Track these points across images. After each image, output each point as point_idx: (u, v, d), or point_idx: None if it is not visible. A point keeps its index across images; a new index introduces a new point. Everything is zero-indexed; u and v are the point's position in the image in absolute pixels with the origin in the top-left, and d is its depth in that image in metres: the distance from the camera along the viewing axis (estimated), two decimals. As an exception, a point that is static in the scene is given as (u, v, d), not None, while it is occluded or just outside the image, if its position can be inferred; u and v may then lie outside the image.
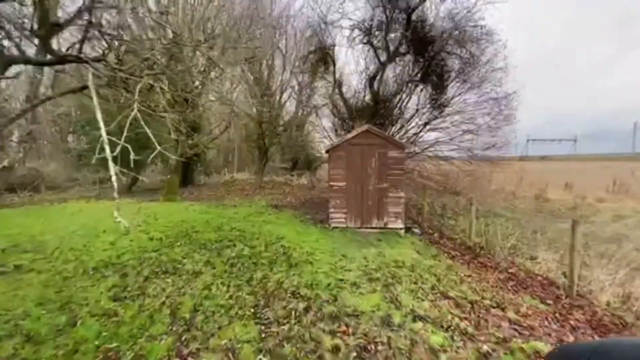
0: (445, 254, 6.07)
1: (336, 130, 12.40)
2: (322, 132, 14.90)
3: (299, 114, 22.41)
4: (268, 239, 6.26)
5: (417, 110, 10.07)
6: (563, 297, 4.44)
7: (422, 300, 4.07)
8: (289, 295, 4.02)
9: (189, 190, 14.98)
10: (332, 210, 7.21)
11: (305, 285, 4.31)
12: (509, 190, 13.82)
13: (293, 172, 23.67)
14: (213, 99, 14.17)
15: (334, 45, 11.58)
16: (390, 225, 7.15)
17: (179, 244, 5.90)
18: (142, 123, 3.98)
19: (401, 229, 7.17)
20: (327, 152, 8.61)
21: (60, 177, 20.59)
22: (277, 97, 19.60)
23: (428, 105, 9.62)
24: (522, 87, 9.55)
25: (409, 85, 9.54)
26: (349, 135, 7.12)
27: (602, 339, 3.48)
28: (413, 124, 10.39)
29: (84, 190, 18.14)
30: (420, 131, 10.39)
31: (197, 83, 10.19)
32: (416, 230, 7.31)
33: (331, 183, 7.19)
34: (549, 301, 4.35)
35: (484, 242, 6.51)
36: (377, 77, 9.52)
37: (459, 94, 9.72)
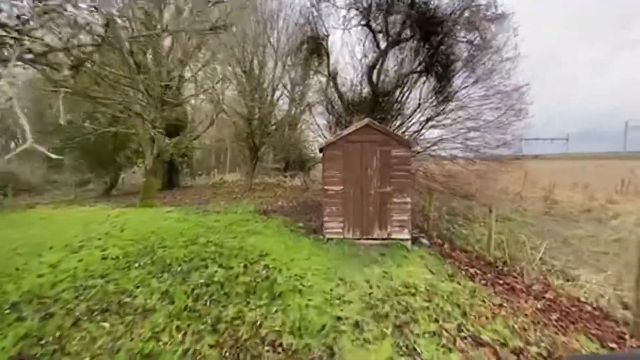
0: (463, 272, 4.98)
1: (330, 128, 11.27)
2: (316, 131, 13.75)
3: (292, 112, 21.28)
4: (250, 257, 5.10)
5: (420, 104, 8.99)
6: (627, 337, 3.37)
7: (450, 349, 2.96)
8: (267, 347, 2.87)
9: (173, 194, 13.72)
10: (326, 218, 6.08)
11: (290, 328, 3.17)
12: (514, 191, 12.84)
13: (286, 173, 22.49)
14: (198, 95, 12.94)
15: (328, 35, 10.45)
16: (394, 236, 6.04)
17: (137, 265, 4.71)
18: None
19: (407, 240, 6.07)
20: (320, 150, 7.48)
21: (37, 179, 19.15)
22: (269, 95, 18.47)
23: (432, 99, 8.56)
24: (532, 79, 8.44)
25: (411, 76, 8.46)
26: (346, 131, 6.00)
27: (613, 352, 3.20)
28: (414, 120, 9.31)
29: (62, 193, 16.76)
30: (422, 128, 9.31)
31: (174, 74, 8.97)
32: (424, 241, 6.22)
33: (326, 187, 6.06)
34: (610, 344, 3.28)
35: (507, 256, 5.43)
36: (377, 67, 8.42)
37: (465, 87, 8.67)
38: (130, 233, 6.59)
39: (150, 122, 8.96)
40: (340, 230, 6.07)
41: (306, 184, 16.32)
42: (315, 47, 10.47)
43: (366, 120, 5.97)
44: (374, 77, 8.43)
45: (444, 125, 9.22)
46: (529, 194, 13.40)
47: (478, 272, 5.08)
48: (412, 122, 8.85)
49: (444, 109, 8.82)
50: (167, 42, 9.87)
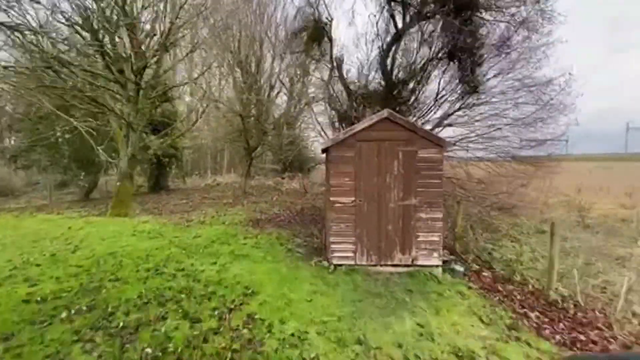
0: (525, 321, 3.54)
1: (333, 125, 9.83)
2: (317, 129, 12.31)
3: (291, 109, 19.81)
4: (229, 298, 3.64)
5: (439, 96, 7.55)
6: None
7: None
8: None
9: (157, 198, 12.20)
10: (334, 239, 4.62)
11: None
12: (536, 198, 11.43)
13: (284, 174, 21.00)
14: (183, 85, 11.42)
15: (331, 20, 9.00)
16: (421, 262, 4.60)
17: (67, 314, 3.23)
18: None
19: (437, 266, 4.63)
20: (324, 151, 6.03)
21: (18, 181, 17.54)
22: (266, 92, 17.03)
23: (455, 91, 7.14)
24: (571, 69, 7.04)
25: (432, 63, 7.04)
26: (360, 126, 4.54)
27: (611, 352, 3.01)
28: (433, 115, 7.88)
29: (41, 196, 15.18)
30: (441, 124, 7.88)
31: (152, 61, 7.45)
32: (458, 268, 4.77)
33: (332, 198, 4.59)
34: None
35: (577, 294, 3.99)
36: (392, 51, 6.97)
37: (494, 76, 7.24)
38: (83, 255, 5.11)
39: (124, 117, 7.47)
40: (352, 254, 4.61)
41: (305, 188, 14.85)
42: (316, 33, 9.01)
43: (385, 112, 4.51)
44: (388, 64, 6.99)
45: (467, 121, 7.79)
46: (549, 199, 12.02)
47: (544, 319, 3.64)
48: (430, 117, 7.41)
49: (468, 102, 7.39)
50: (146, 26, 8.37)
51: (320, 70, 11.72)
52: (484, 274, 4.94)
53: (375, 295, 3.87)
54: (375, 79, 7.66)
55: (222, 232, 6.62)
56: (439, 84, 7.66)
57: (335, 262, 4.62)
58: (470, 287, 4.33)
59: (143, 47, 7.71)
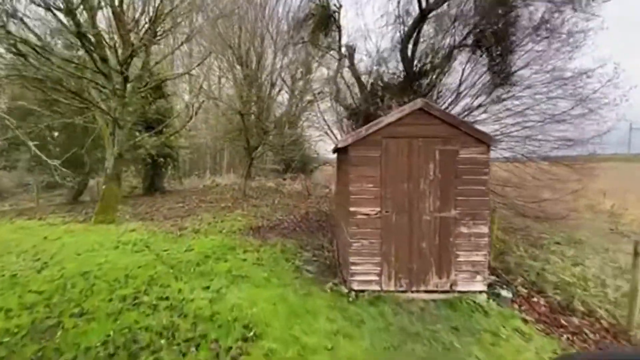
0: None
1: (341, 122, 8.93)
2: (322, 127, 11.43)
3: (292, 108, 18.93)
4: (224, 344, 2.73)
5: (461, 88, 6.65)
6: None
7: None
8: None
9: (150, 202, 11.28)
10: (354, 259, 3.71)
11: None
12: (576, 205, 10.50)
13: (285, 175, 20.09)
14: (176, 77, 10.51)
15: (340, 7, 8.10)
16: (461, 287, 3.70)
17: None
18: None
19: (481, 292, 3.73)
20: (337, 150, 5.13)
21: (7, 182, 16.60)
22: (267, 89, 16.16)
23: (484, 81, 6.24)
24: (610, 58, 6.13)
25: (460, 48, 6.13)
26: (386, 120, 3.63)
27: (603, 349, 2.95)
28: (453, 110, 6.97)
29: (29, 199, 14.25)
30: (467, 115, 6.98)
31: (140, 49, 6.52)
32: (505, 294, 3.87)
33: (352, 209, 3.68)
34: None
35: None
36: (413, 37, 6.05)
37: (526, 65, 6.33)
38: (49, 276, 4.20)
39: (109, 112, 6.56)
40: (376, 277, 3.71)
41: (308, 190, 13.95)
42: (324, 21, 8.11)
43: (419, 102, 3.61)
44: (409, 51, 6.06)
45: (492, 117, 6.90)
46: (573, 204, 11.10)
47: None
48: (455, 111, 6.47)
49: (494, 96, 6.49)
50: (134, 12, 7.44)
51: (326, 64, 10.82)
52: (534, 299, 4.04)
53: (414, 338, 2.96)
54: (391, 70, 6.77)
55: (219, 243, 5.70)
56: (461, 74, 6.75)
57: (355, 287, 3.72)
58: (526, 321, 3.43)
59: (131, 35, 6.80)
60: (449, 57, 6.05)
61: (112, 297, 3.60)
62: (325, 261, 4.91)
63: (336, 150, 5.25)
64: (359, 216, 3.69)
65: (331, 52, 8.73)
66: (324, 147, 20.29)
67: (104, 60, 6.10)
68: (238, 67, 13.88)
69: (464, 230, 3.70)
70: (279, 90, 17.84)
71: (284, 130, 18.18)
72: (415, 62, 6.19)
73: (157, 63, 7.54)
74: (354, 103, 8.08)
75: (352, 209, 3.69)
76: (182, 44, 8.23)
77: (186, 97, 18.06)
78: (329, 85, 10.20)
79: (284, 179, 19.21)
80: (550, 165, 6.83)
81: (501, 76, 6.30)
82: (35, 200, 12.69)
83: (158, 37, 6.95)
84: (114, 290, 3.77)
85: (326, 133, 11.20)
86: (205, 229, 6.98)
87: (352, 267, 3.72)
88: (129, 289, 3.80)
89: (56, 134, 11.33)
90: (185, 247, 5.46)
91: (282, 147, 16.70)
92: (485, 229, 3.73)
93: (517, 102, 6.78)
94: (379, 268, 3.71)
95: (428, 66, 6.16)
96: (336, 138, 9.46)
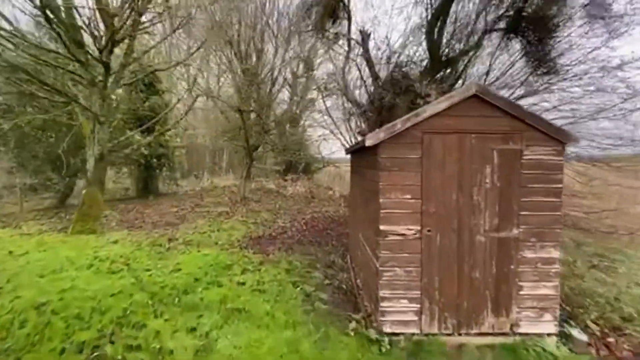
0: None
1: (349, 119, 8.06)
2: (327, 125, 10.56)
3: (293, 106, 18.05)
4: None
5: (489, 77, 5.75)
6: None
7: None
8: None
9: (142, 206, 10.36)
10: (385, 293, 2.80)
11: None
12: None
13: (286, 176, 19.18)
14: (168, 69, 9.61)
15: (350, -9, 7.18)
16: (525, 329, 2.81)
17: None
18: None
19: (550, 335, 2.83)
20: (352, 151, 4.24)
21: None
22: (268, 86, 15.30)
23: (520, 71, 5.35)
24: None
25: (491, 35, 5.24)
26: (429, 111, 2.72)
27: None
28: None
29: (14, 201, 13.32)
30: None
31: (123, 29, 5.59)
32: (578, 335, 2.98)
33: (383, 227, 2.77)
34: None
35: None
36: (440, 19, 5.10)
37: (568, 51, 5.44)
38: (-5, 310, 3.29)
39: (88, 107, 5.66)
40: (415, 317, 2.80)
41: (311, 193, 13.05)
42: (331, 7, 7.19)
43: (473, 86, 2.71)
44: (435, 34, 5.14)
45: (532, 110, 5.98)
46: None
47: None
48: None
49: (532, 86, 5.60)
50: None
51: (333, 56, 9.91)
52: (610, 339, 3.14)
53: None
54: (412, 58, 5.84)
55: (213, 260, 4.79)
56: (490, 62, 5.84)
57: (388, 329, 2.81)
58: (619, 379, 2.53)
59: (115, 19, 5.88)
60: (479, 43, 5.16)
61: (66, 344, 2.70)
62: (341, 285, 4.01)
63: (353, 150, 4.34)
64: (392, 237, 2.78)
65: (339, 42, 7.79)
66: (329, 147, 19.37)
67: (79, 44, 5.18)
68: (237, 63, 13.02)
69: (528, 254, 2.80)
70: (281, 87, 16.98)
71: (285, 130, 17.33)
72: (442, 47, 5.31)
73: (146, 52, 6.63)
74: (367, 97, 7.18)
75: (382, 227, 2.78)
76: (174, 31, 7.30)
77: (185, 95, 17.17)
78: (335, 79, 9.29)
79: (285, 180, 18.31)
80: (596, 166, 5.93)
81: (538, 64, 5.41)
82: (19, 203, 11.75)
83: (146, 21, 6.03)
84: (71, 333, 2.86)
85: (331, 132, 10.30)
86: (198, 240, 6.07)
87: (383, 304, 2.81)
88: (91, 332, 2.89)
89: (40, 132, 10.37)
90: (172, 266, 4.54)
91: (283, 146, 15.81)
92: (555, 253, 2.83)
93: (555, 95, 5.91)
94: (417, 305, 2.81)
95: (456, 52, 5.27)
96: (344, 137, 8.55)
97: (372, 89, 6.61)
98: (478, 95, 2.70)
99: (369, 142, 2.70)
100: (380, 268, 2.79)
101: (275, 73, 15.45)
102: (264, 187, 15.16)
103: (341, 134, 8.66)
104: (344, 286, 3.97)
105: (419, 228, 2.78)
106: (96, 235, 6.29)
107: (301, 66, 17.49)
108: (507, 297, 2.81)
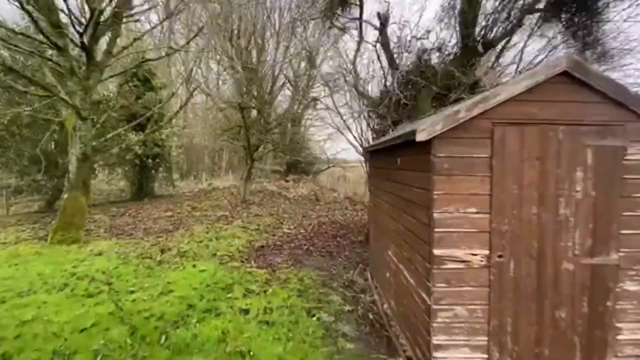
0: None
1: (360, 114, 7.35)
2: (335, 122, 9.82)
3: (295, 105, 17.33)
4: None
5: (521, 65, 5.04)
6: None
7: None
8: None
9: (135, 210, 9.60)
10: (440, 340, 2.07)
11: None
12: None
13: (287, 176, 18.45)
14: (160, 58, 8.87)
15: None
16: (626, 386, 2.07)
17: None
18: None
19: (657, 393, 2.10)
20: (374, 150, 3.52)
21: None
22: (269, 83, 14.61)
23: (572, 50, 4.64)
24: None
25: (530, 17, 4.52)
26: (503, 93, 2.00)
27: None
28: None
29: (2, 204, 12.53)
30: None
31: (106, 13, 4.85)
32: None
33: (437, 251, 2.05)
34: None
35: None
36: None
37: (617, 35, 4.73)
38: None
39: (67, 100, 4.91)
40: (479, 371, 2.07)
41: (316, 196, 12.32)
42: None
43: (564, 61, 1.98)
44: (470, 15, 4.38)
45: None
46: None
47: None
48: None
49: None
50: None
51: (340, 48, 9.19)
52: None
53: None
54: (434, 47, 5.10)
55: (210, 278, 4.05)
56: (521, 49, 5.12)
57: (442, 386, 2.08)
58: None
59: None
60: (519, 24, 4.44)
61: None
62: (366, 313, 3.28)
63: (375, 149, 3.61)
64: (451, 265, 2.05)
65: (351, 30, 7.07)
66: (334, 147, 18.60)
67: (55, 25, 4.44)
68: (237, 59, 12.31)
69: (631, 287, 2.08)
70: (282, 84, 16.27)
71: (286, 129, 16.61)
72: (477, 31, 4.58)
73: (135, 40, 5.88)
74: (380, 91, 6.46)
75: (437, 251, 2.05)
76: (166, 18, 6.55)
77: (180, 90, 16.43)
78: (343, 73, 8.56)
79: (287, 181, 17.58)
80: None
81: (582, 50, 4.69)
82: (5, 207, 10.97)
83: (136, 5, 5.28)
84: (19, 393, 2.12)
85: (338, 130, 9.55)
86: (194, 251, 5.33)
87: (437, 354, 2.08)
88: (45, 390, 2.15)
89: (25, 131, 9.61)
90: (162, 286, 3.80)
91: (285, 146, 15.09)
92: (667, 285, 2.10)
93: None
94: (484, 356, 2.08)
95: (493, 36, 4.55)
96: (354, 136, 7.83)
97: (387, 81, 5.88)
98: (569, 72, 1.98)
99: (421, 136, 1.96)
100: (434, 307, 2.06)
101: (277, 71, 14.78)
102: (265, 188, 14.42)
103: (351, 132, 7.92)
104: (370, 315, 3.23)
105: (486, 253, 2.05)
106: (78, 246, 5.53)
107: (303, 64, 16.83)
108: (601, 344, 2.09)
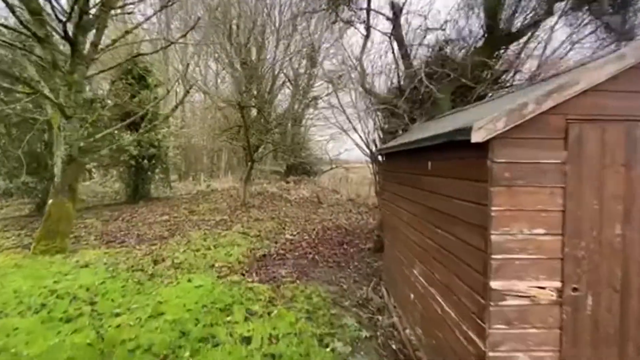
0: None
1: (366, 112, 6.91)
2: (338, 122, 9.38)
3: (295, 104, 16.89)
4: None
5: (546, 53, 4.60)
6: None
7: None
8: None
9: (130, 214, 9.12)
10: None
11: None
12: None
13: (288, 177, 17.97)
14: (152, 52, 8.40)
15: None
16: None
17: None
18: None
19: None
20: (390, 153, 3.08)
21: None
22: (269, 82, 14.15)
23: (597, 47, 4.20)
24: None
25: (559, 5, 4.09)
26: (582, 83, 1.55)
27: None
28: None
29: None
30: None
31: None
32: None
33: (495, 284, 1.60)
34: None
35: None
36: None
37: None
38: None
39: (49, 96, 4.44)
40: None
41: (318, 198, 11.86)
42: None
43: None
44: (493, 3, 3.91)
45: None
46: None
47: None
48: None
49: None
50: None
51: (344, 44, 8.75)
52: None
53: None
54: (454, 38, 4.66)
55: (207, 296, 3.59)
56: (549, 38, 4.67)
57: None
58: None
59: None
60: (549, 11, 3.99)
61: None
62: (388, 341, 2.82)
63: (391, 151, 3.16)
64: (512, 301, 1.60)
65: (358, 20, 6.62)
66: (336, 148, 18.11)
67: (34, 12, 3.96)
68: (236, 56, 11.85)
69: None
70: (282, 83, 15.82)
71: (287, 129, 16.15)
72: (502, 19, 4.12)
73: (127, 32, 5.41)
74: (390, 88, 6.01)
75: (495, 284, 1.60)
76: (161, 8, 6.09)
77: (176, 87, 15.95)
78: (348, 70, 8.14)
79: (287, 182, 17.11)
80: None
81: (617, 41, 4.25)
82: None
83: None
84: None
85: (342, 130, 9.08)
86: (190, 262, 4.87)
87: (494, 413, 1.62)
88: None
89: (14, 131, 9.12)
90: (152, 307, 3.34)
91: (286, 146, 14.63)
92: None
93: None
94: (554, 415, 1.63)
95: (518, 25, 4.11)
96: (360, 135, 7.37)
97: (400, 76, 5.43)
98: (667, 54, 1.53)
99: (478, 136, 1.51)
100: (491, 354, 1.61)
101: (277, 69, 14.33)
102: (265, 190, 13.95)
103: (356, 132, 7.46)
104: (393, 343, 2.78)
105: (558, 285, 1.60)
106: (64, 256, 5.06)
107: (304, 62, 16.39)
108: (700, 399, 1.64)
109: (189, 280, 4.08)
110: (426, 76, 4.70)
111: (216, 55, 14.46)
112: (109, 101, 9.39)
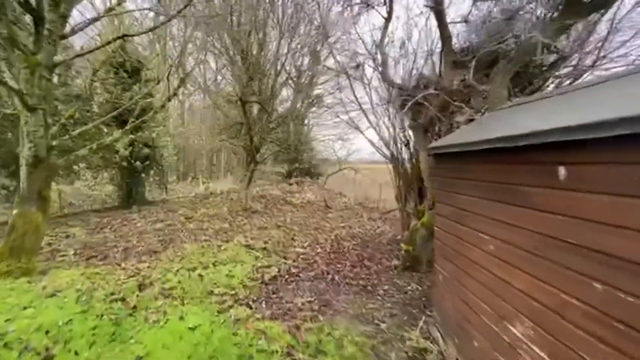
0: None
1: (388, 105, 6.03)
2: (350, 118, 8.50)
3: (297, 103, 15.96)
4: None
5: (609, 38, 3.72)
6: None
7: None
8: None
9: (120, 221, 8.14)
10: None
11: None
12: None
13: (290, 179, 17.04)
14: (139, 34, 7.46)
15: None
16: None
17: None
18: None
19: None
20: (433, 155, 2.12)
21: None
22: (271, 79, 13.22)
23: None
24: None
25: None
26: None
27: None
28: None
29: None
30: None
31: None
32: None
33: None
34: None
35: None
36: None
37: None
38: None
39: (8, 84, 3.51)
40: None
41: (326, 202, 10.93)
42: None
43: None
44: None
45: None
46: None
47: None
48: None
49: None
50: None
51: (359, 32, 7.80)
52: None
53: None
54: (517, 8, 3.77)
55: (203, 346, 2.66)
56: (614, 18, 3.77)
57: None
58: None
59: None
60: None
61: None
62: None
63: (451, 151, 2.23)
64: None
65: (376, 7, 5.71)
66: (345, 148, 17.15)
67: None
68: (236, 50, 10.92)
69: None
70: (285, 80, 14.91)
71: (289, 128, 15.23)
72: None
73: (109, 10, 4.47)
74: (418, 77, 5.10)
75: None
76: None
77: (168, 77, 14.96)
78: (364, 58, 7.20)
79: (290, 184, 16.19)
80: None
81: None
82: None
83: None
84: None
85: (356, 128, 8.19)
86: (182, 288, 3.92)
87: None
88: None
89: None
90: (127, 366, 2.40)
91: (290, 146, 13.70)
92: None
93: None
94: None
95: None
96: (379, 134, 6.47)
97: (441, 61, 4.52)
98: None
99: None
100: None
101: (279, 66, 13.41)
102: (268, 193, 13.01)
103: (376, 130, 6.54)
104: None
105: None
106: (29, 280, 4.10)
107: (307, 60, 15.51)
108: None
109: (181, 318, 3.14)
110: (475, 59, 3.79)
111: (216, 51, 13.54)
112: (96, 96, 8.43)
